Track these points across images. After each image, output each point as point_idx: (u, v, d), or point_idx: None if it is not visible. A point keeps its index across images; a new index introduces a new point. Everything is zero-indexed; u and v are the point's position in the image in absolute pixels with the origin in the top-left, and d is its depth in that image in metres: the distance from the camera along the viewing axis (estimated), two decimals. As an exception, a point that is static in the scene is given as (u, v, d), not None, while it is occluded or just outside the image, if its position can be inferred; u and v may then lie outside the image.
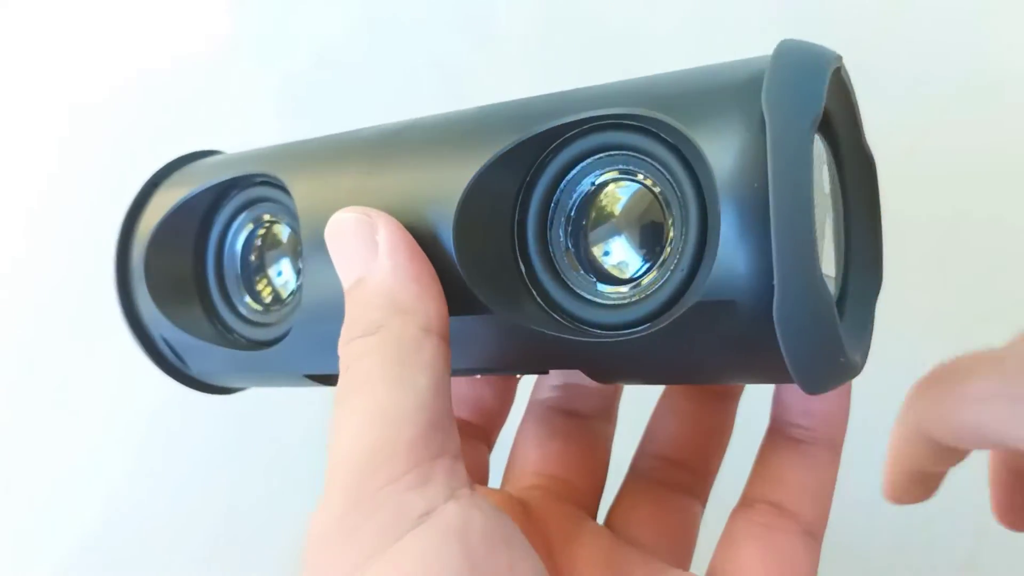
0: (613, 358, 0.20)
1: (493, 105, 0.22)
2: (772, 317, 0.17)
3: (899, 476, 0.25)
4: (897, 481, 0.25)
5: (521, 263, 0.21)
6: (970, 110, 0.42)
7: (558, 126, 0.20)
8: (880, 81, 0.42)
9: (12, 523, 0.41)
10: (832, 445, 0.24)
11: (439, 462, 0.18)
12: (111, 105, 0.49)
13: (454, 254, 0.20)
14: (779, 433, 0.24)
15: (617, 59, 0.48)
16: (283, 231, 0.27)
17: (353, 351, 0.19)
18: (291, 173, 0.24)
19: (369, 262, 0.20)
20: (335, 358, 0.22)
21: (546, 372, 0.24)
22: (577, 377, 0.26)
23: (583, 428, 0.26)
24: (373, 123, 0.24)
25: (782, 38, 0.19)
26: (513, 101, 0.22)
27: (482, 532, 0.18)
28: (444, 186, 0.20)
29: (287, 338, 0.24)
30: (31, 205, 0.48)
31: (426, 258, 0.20)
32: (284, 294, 0.26)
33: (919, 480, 0.25)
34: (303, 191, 0.23)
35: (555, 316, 0.21)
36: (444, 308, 0.20)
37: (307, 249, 0.22)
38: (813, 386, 0.19)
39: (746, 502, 0.24)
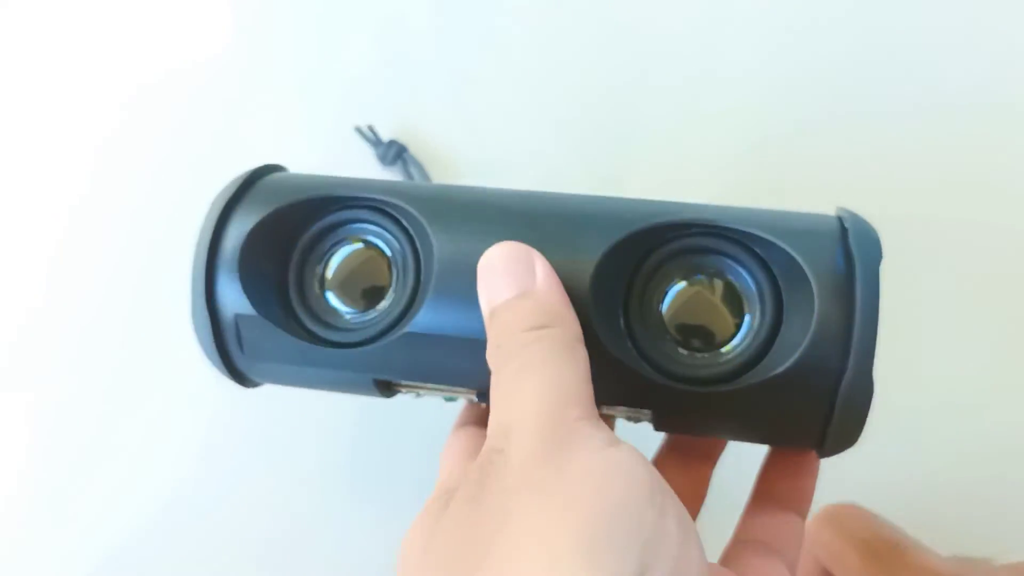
0: (675, 406, 0.26)
1: (632, 199, 0.28)
2: (830, 391, 0.25)
3: None
4: None
5: (623, 319, 0.27)
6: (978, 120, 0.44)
7: (684, 223, 0.27)
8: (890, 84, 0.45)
9: (51, 529, 0.41)
10: (803, 513, 0.30)
11: (604, 424, 0.22)
12: (143, 103, 0.50)
13: (589, 298, 0.26)
14: (765, 500, 0.30)
15: (623, 57, 0.50)
16: (348, 251, 0.29)
17: (522, 340, 0.24)
18: (429, 213, 0.28)
19: (530, 282, 0.25)
20: (427, 371, 0.27)
21: (629, 407, 0.27)
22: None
23: None
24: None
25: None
26: (645, 200, 0.28)
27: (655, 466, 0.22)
28: (583, 255, 0.26)
29: (378, 342, 0.27)
30: (72, 203, 0.48)
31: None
32: (352, 308, 0.29)
33: None
34: (446, 232, 0.27)
35: (644, 363, 0.26)
36: (581, 330, 0.25)
37: (440, 276, 0.27)
38: (834, 451, 0.26)
39: (739, 540, 0.29)
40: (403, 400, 0.37)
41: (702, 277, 0.27)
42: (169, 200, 0.47)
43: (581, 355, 0.23)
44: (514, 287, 0.25)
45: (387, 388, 0.29)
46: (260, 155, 0.46)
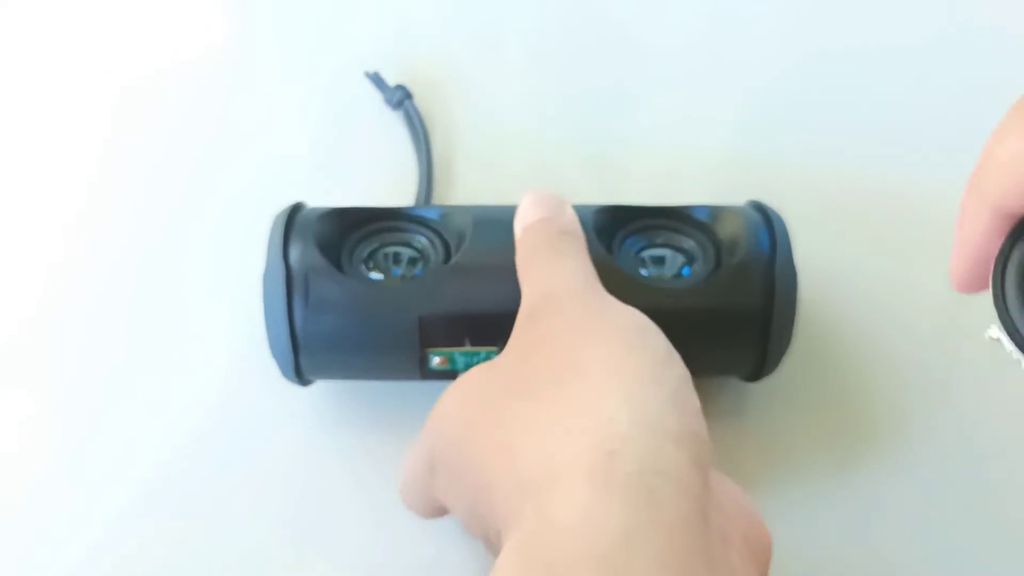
0: (653, 300, 0.32)
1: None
2: (766, 276, 0.34)
3: (966, 259, 0.25)
4: (963, 265, 0.25)
5: (609, 252, 0.35)
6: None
7: (665, 208, 0.37)
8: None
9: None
10: None
11: None
12: (125, 103, 0.51)
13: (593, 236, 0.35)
14: None
15: (622, 65, 0.52)
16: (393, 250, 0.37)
17: (557, 237, 0.32)
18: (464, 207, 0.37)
19: (559, 211, 0.33)
20: (464, 298, 0.34)
21: None
22: None
23: None
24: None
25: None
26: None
27: None
28: (585, 211, 0.35)
29: (423, 279, 0.35)
30: (73, 202, 0.48)
31: None
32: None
33: (986, 262, 0.24)
34: (478, 210, 0.36)
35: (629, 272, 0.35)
36: None
37: (474, 234, 0.35)
38: (767, 371, 0.37)
39: None
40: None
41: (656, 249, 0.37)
42: (184, 163, 0.50)
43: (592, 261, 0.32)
44: (545, 212, 0.33)
45: (428, 342, 0.34)
46: (278, 105, 0.50)
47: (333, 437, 0.40)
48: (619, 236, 0.36)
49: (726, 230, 0.36)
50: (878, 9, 0.55)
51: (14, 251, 0.46)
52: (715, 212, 0.37)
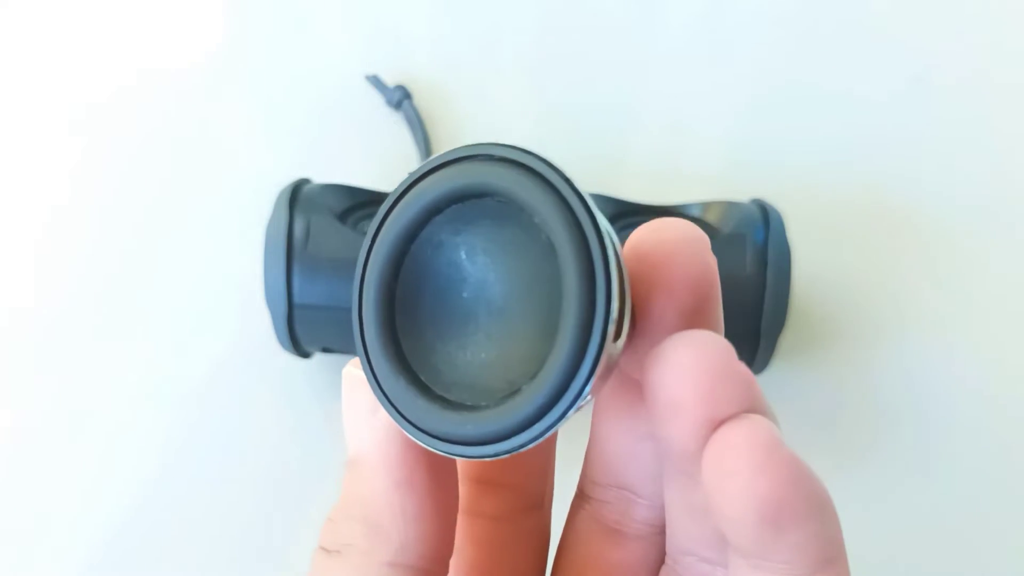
0: None
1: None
2: (760, 249, 0.35)
3: None
4: None
5: None
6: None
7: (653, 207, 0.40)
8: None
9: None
10: None
11: None
12: (114, 108, 0.51)
13: None
14: None
15: (621, 65, 0.53)
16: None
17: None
18: None
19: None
20: None
21: None
22: None
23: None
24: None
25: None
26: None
27: None
28: None
29: None
30: (47, 204, 0.49)
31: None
32: None
33: None
34: None
35: None
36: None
37: None
38: (756, 371, 0.37)
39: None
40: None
41: None
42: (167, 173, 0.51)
43: None
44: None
45: None
46: (278, 108, 0.51)
47: (332, 420, 0.42)
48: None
49: (722, 224, 0.37)
50: (879, 11, 0.55)
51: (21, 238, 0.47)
52: (708, 208, 0.38)
